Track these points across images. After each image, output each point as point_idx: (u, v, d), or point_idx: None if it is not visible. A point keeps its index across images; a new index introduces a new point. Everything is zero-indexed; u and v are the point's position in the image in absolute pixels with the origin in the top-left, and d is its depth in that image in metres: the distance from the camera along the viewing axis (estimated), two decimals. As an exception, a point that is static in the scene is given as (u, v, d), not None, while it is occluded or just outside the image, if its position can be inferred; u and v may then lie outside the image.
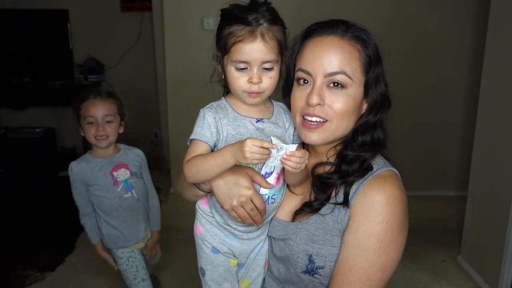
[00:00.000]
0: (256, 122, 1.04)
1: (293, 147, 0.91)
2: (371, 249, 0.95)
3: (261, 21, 0.95)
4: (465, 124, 3.47)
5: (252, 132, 1.02)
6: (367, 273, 0.95)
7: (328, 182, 1.02)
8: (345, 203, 0.99)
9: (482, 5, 3.15)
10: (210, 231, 1.09)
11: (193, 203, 1.15)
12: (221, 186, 1.00)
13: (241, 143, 0.89)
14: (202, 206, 1.11)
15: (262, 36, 0.95)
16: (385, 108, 1.04)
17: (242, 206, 0.99)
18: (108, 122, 1.84)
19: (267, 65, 0.98)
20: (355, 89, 1.00)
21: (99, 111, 1.83)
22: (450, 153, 3.65)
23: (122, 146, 1.96)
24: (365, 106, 1.05)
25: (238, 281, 1.13)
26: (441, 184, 3.70)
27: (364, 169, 1.00)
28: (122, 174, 1.88)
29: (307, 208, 1.03)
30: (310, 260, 1.01)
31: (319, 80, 1.00)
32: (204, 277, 1.12)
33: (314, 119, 1.01)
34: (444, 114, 3.58)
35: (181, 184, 1.17)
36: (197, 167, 0.97)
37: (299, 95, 1.03)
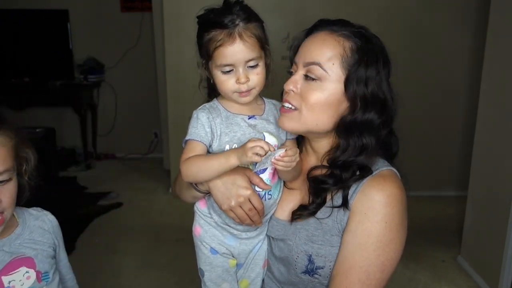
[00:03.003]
0: (248, 119, 1.05)
1: (282, 151, 0.94)
2: (371, 248, 0.95)
3: (236, 22, 0.97)
4: (465, 124, 3.47)
5: (244, 129, 1.03)
6: (367, 272, 0.95)
7: (322, 188, 1.02)
8: (345, 205, 0.99)
9: (482, 5, 3.15)
10: (209, 232, 1.09)
11: (193, 204, 1.15)
12: (219, 187, 1.00)
13: (244, 144, 0.94)
14: (201, 207, 1.11)
15: (241, 36, 0.97)
16: (367, 109, 0.99)
17: (241, 207, 0.99)
18: None
19: (251, 63, 1.00)
20: (332, 84, 0.99)
21: None
22: (450, 153, 3.65)
23: (18, 211, 1.03)
24: (344, 105, 1.01)
25: (237, 282, 1.13)
26: (441, 184, 3.69)
27: (364, 172, 1.00)
28: (21, 279, 0.95)
29: (304, 211, 1.03)
30: (310, 260, 1.01)
31: (300, 69, 1.02)
32: (203, 278, 1.12)
33: (286, 104, 1.03)
34: (444, 114, 3.58)
35: (180, 186, 1.17)
36: (198, 166, 0.98)
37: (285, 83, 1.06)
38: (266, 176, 1.03)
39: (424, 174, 3.58)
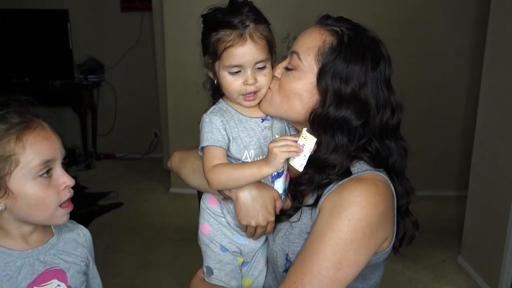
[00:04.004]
0: (262, 122, 1.04)
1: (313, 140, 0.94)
2: (328, 243, 0.91)
3: (247, 23, 0.96)
4: (465, 124, 3.47)
5: (259, 134, 1.03)
6: (320, 266, 0.91)
7: (299, 190, 1.02)
8: (314, 204, 0.98)
9: (482, 5, 3.15)
10: (219, 231, 1.09)
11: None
12: (248, 203, 1.00)
13: (269, 151, 0.93)
14: (211, 206, 1.10)
15: (251, 37, 0.96)
16: (339, 105, 0.96)
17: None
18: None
19: (259, 65, 0.99)
20: (304, 74, 0.99)
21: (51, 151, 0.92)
22: (450, 153, 3.65)
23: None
24: (315, 98, 0.99)
25: (241, 280, 1.14)
26: (441, 184, 3.69)
27: (342, 174, 0.97)
28: None
29: (283, 217, 1.04)
30: (287, 259, 1.02)
31: (288, 59, 1.03)
32: (210, 277, 1.11)
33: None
34: (444, 114, 3.58)
35: (192, 171, 1.15)
36: (228, 175, 0.97)
37: None
38: (282, 180, 1.05)
39: (424, 174, 3.58)
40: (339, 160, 0.97)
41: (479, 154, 2.57)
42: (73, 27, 4.09)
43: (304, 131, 0.94)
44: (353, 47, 0.96)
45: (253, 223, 1.00)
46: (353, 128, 0.97)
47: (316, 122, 0.98)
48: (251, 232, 1.03)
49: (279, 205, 1.02)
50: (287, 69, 1.02)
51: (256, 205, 1.00)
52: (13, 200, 0.84)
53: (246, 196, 1.00)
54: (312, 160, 0.96)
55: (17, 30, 4.04)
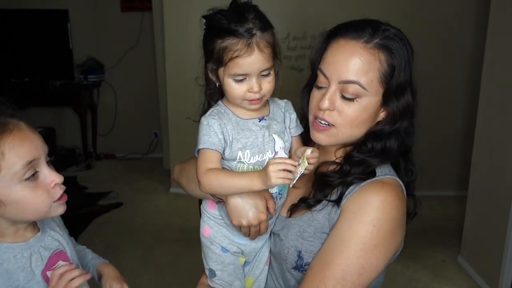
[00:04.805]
0: (259, 121, 1.04)
1: (309, 151, 0.94)
2: (352, 248, 0.93)
3: (254, 31, 0.94)
4: (465, 124, 3.47)
5: (257, 133, 1.02)
6: (343, 271, 0.92)
7: (328, 183, 1.01)
8: (338, 201, 0.98)
9: (482, 5, 3.15)
10: (219, 232, 1.09)
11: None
12: (238, 203, 1.00)
13: (266, 167, 0.91)
14: (210, 210, 1.10)
15: (258, 47, 0.94)
16: (404, 118, 1.02)
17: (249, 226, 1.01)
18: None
19: (264, 72, 0.98)
20: (370, 99, 0.99)
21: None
22: (450, 153, 3.65)
23: None
24: (383, 114, 1.03)
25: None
26: (441, 184, 3.69)
27: (367, 174, 0.99)
28: None
29: (302, 204, 1.04)
30: (299, 256, 1.02)
31: (334, 85, 0.99)
32: (213, 279, 1.11)
33: (323, 122, 1.02)
34: (444, 114, 3.58)
35: (188, 180, 1.16)
36: (220, 182, 0.97)
37: (316, 95, 1.04)
38: None
39: (424, 174, 3.57)
40: (379, 163, 1.01)
41: (479, 154, 2.57)
42: (73, 27, 4.10)
43: (304, 156, 0.94)
44: (402, 53, 1.00)
45: (244, 223, 1.00)
46: (399, 131, 1.03)
47: (377, 136, 1.02)
48: (246, 232, 1.03)
49: (271, 205, 1.02)
50: (345, 97, 0.99)
51: (246, 205, 0.99)
52: (2, 207, 0.84)
53: (235, 197, 1.00)
54: (353, 158, 1.00)
55: (17, 30, 4.04)
